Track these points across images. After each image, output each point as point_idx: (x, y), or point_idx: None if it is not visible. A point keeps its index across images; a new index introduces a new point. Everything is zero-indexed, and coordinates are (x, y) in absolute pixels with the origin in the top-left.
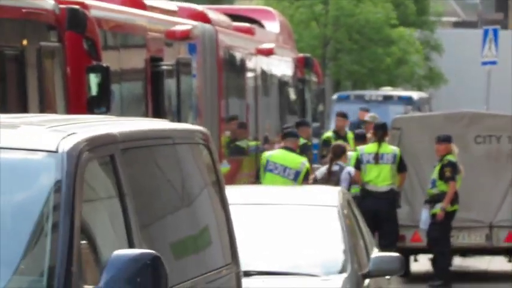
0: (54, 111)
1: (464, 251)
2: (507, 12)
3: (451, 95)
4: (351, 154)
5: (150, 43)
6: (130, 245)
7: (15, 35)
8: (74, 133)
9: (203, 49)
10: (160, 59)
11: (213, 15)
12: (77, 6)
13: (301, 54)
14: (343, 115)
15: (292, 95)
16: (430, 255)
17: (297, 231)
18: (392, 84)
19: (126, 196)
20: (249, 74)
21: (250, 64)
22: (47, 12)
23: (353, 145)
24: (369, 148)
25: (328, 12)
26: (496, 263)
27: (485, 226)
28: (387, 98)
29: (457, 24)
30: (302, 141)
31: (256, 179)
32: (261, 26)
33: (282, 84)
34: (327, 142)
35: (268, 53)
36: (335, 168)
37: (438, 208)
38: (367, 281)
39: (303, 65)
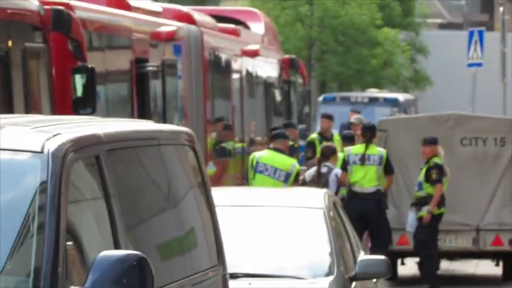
0: (40, 112)
1: (451, 255)
2: (493, 14)
3: (436, 97)
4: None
5: (135, 44)
6: (116, 246)
7: (0, 36)
8: (59, 134)
9: (188, 50)
10: (146, 60)
11: (198, 16)
12: (61, 7)
13: (286, 56)
14: (328, 117)
15: (278, 97)
16: (417, 259)
17: (283, 233)
18: (378, 86)
19: (112, 197)
20: (235, 76)
21: (235, 65)
22: (32, 13)
23: (339, 147)
24: (356, 149)
25: (313, 14)
26: (484, 267)
27: (472, 229)
28: (373, 100)
29: (442, 26)
30: (289, 143)
31: (245, 180)
32: (246, 27)
33: (268, 85)
34: (311, 144)
35: (253, 54)
36: (323, 170)
37: (425, 211)
38: (353, 283)
39: (288, 66)
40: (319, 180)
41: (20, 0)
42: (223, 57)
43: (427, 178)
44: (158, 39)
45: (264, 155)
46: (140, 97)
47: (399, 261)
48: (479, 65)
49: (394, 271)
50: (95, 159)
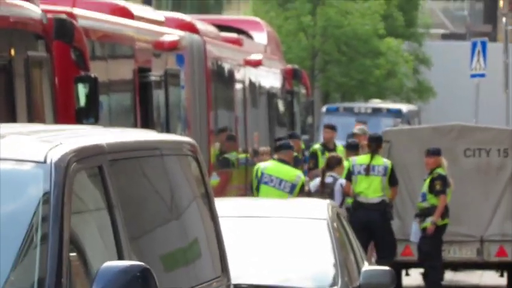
0: (43, 122)
1: (455, 266)
2: (496, 25)
3: (439, 108)
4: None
5: (138, 53)
6: (120, 257)
7: (2, 45)
8: (62, 143)
9: (191, 60)
10: (149, 70)
11: (200, 25)
12: (64, 16)
13: (289, 66)
14: (331, 127)
15: (281, 107)
16: (422, 270)
17: (286, 244)
18: (381, 96)
19: (115, 207)
20: (238, 86)
21: (238, 75)
22: (35, 22)
23: (344, 157)
24: (361, 159)
25: (316, 24)
26: (488, 278)
27: (476, 240)
28: (376, 111)
29: (445, 37)
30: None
31: (250, 191)
32: (249, 36)
33: (271, 95)
34: (313, 155)
35: (256, 64)
36: (329, 180)
37: (428, 222)
38: None
39: (291, 76)
40: (324, 190)
41: (23, 9)
42: (226, 66)
43: (431, 189)
44: (161, 48)
45: (268, 166)
46: (143, 107)
47: (404, 272)
48: (482, 75)
49: (399, 282)
50: (98, 169)
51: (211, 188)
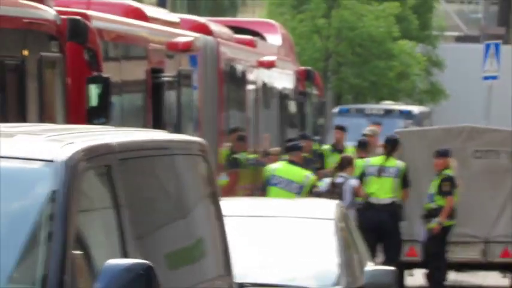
0: (54, 122)
1: (459, 266)
2: (509, 27)
3: (452, 110)
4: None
5: (151, 54)
6: (124, 255)
7: (16, 45)
8: (71, 143)
9: (204, 61)
10: (162, 71)
11: (214, 27)
12: (78, 17)
13: (302, 67)
14: (341, 128)
15: (293, 108)
16: (426, 270)
17: (292, 243)
18: (394, 98)
19: (122, 206)
20: (250, 87)
21: (251, 76)
22: (49, 23)
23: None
24: (375, 161)
25: (330, 25)
26: (491, 279)
27: (480, 241)
28: (388, 112)
29: (459, 39)
30: (303, 154)
31: (262, 192)
32: (263, 38)
33: (283, 97)
34: (321, 155)
35: (269, 65)
36: (339, 180)
37: (435, 222)
38: None
39: (304, 77)
40: (334, 190)
41: (37, 10)
42: (239, 68)
43: (439, 190)
44: (175, 49)
45: (278, 168)
46: (155, 107)
47: (407, 272)
48: (494, 77)
49: (402, 282)
50: (107, 169)
51: (218, 188)
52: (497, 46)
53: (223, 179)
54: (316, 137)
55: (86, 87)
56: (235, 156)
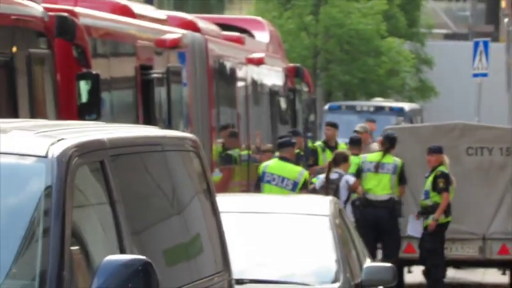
0: (45, 118)
1: (457, 263)
2: (498, 25)
3: (441, 107)
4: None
5: (140, 51)
6: (121, 251)
7: (4, 42)
8: (63, 138)
9: (193, 58)
10: (150, 67)
11: (202, 24)
12: (66, 14)
13: (291, 64)
14: (332, 125)
15: (283, 105)
16: (424, 267)
17: (289, 240)
18: (384, 95)
19: (117, 202)
20: (240, 84)
21: (240, 73)
22: (36, 20)
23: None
24: (372, 157)
25: (318, 22)
26: (491, 276)
27: (478, 238)
28: (379, 109)
29: (447, 37)
30: (295, 151)
31: (256, 189)
32: (251, 35)
33: (273, 93)
34: (314, 151)
35: (258, 62)
36: (334, 176)
37: (431, 219)
38: None
39: (293, 74)
40: (329, 186)
41: (24, 7)
42: (228, 65)
43: (434, 187)
44: (163, 46)
45: (270, 165)
46: (145, 104)
47: (406, 269)
48: (484, 75)
49: (401, 279)
50: (100, 164)
51: (213, 184)
52: (485, 44)
53: (216, 175)
54: (309, 134)
55: (75, 84)
56: (228, 152)
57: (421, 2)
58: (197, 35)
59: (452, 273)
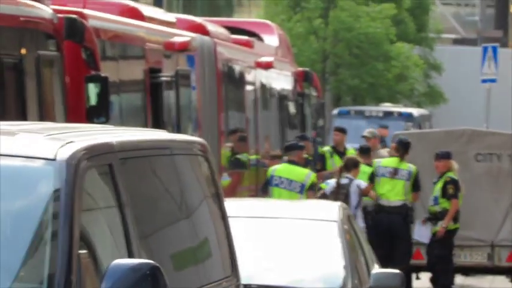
0: (53, 120)
1: (466, 270)
2: (507, 30)
3: (450, 113)
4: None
5: (149, 54)
6: (130, 255)
7: (13, 44)
8: (72, 141)
9: (202, 61)
10: (159, 70)
11: (211, 27)
12: (75, 16)
13: (300, 68)
14: (341, 130)
15: (292, 109)
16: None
17: (297, 245)
18: (393, 100)
19: (125, 205)
20: (248, 87)
21: (249, 77)
22: (45, 22)
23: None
24: (387, 162)
25: (327, 26)
26: (499, 283)
27: (486, 245)
28: (388, 114)
29: (456, 41)
30: (304, 155)
31: (263, 193)
32: (260, 39)
33: (282, 97)
34: (321, 157)
35: (267, 66)
36: (344, 181)
37: (439, 226)
38: None
39: (302, 79)
40: (340, 191)
41: (33, 9)
42: (237, 68)
43: (444, 193)
44: (172, 49)
45: (278, 168)
46: (154, 107)
47: (414, 275)
48: (493, 80)
49: (409, 285)
50: (108, 168)
51: (221, 188)
52: (494, 49)
53: (225, 180)
54: (318, 139)
55: (84, 86)
56: (237, 156)
57: (430, 7)
58: (206, 38)
59: (460, 280)
